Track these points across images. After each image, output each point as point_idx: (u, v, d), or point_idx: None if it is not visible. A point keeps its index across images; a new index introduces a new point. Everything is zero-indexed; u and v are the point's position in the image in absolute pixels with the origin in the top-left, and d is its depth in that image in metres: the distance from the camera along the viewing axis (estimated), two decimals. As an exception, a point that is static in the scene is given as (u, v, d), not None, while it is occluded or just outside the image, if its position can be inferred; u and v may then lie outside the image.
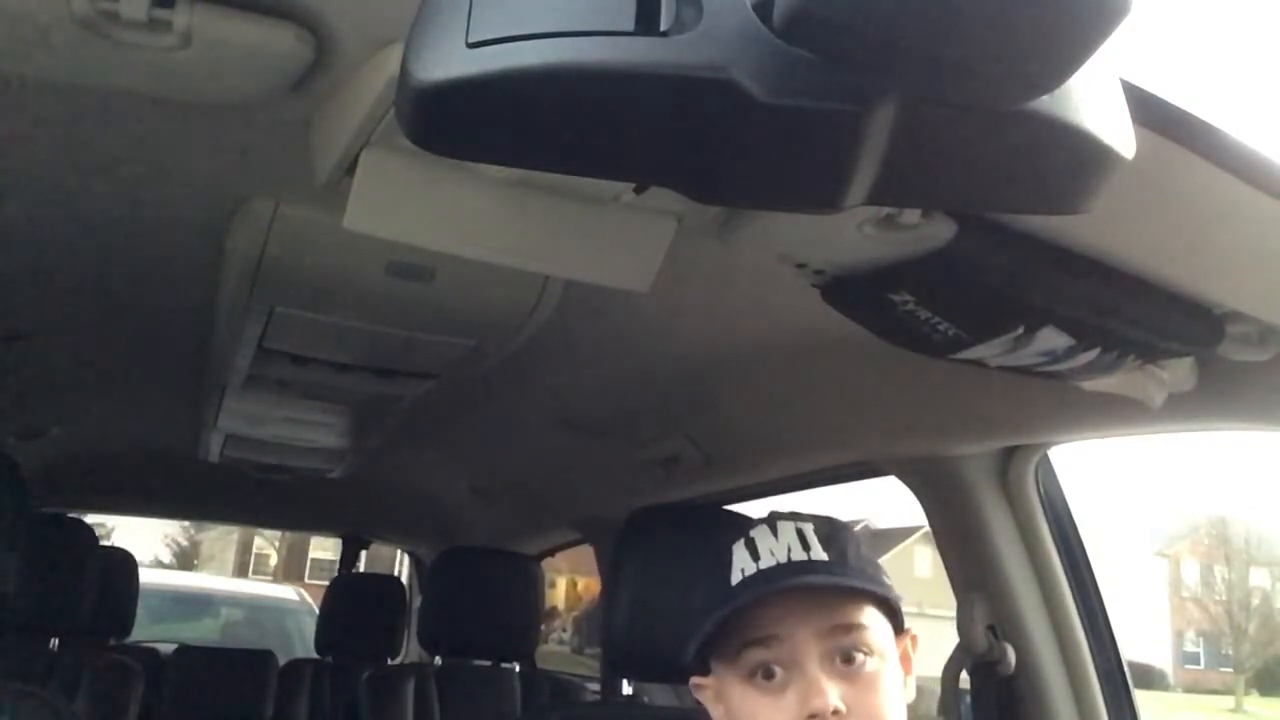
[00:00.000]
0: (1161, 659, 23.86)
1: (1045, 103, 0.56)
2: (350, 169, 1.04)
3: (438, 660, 2.91)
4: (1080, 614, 1.65)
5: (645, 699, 2.79)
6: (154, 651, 3.56)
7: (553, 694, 2.80)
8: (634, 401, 1.97)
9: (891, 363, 1.28)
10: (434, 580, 2.88)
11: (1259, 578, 24.26)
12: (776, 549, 0.96)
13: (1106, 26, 0.50)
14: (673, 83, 0.53)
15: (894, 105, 0.54)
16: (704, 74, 0.53)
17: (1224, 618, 23.99)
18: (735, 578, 0.96)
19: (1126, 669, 1.71)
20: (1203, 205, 0.92)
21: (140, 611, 3.29)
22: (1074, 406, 1.33)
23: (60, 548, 2.32)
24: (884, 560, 1.04)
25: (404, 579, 4.62)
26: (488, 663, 2.82)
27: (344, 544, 4.51)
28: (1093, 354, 1.09)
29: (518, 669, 2.84)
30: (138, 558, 3.41)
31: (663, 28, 0.53)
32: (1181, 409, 1.23)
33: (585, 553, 3.25)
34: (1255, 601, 24.00)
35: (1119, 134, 0.60)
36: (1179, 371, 1.19)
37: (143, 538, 13.92)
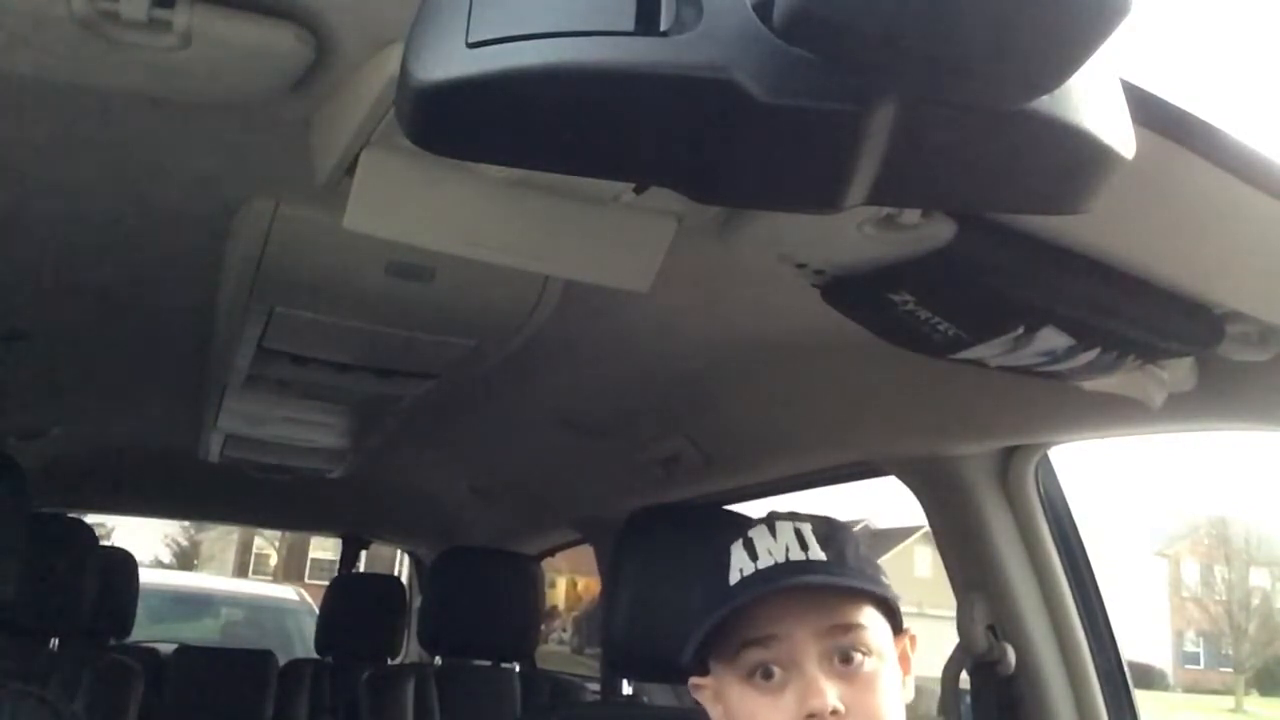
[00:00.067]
0: (1161, 659, 23.86)
1: (1045, 103, 0.56)
2: (350, 169, 1.04)
3: (438, 660, 2.91)
4: (1080, 614, 1.65)
5: (645, 699, 2.79)
6: (154, 651, 3.56)
7: (553, 694, 2.80)
8: (634, 401, 1.97)
9: (891, 363, 1.28)
10: (434, 580, 2.88)
11: (1259, 578, 24.25)
12: (775, 549, 0.96)
13: (1106, 26, 0.50)
14: (673, 83, 0.53)
15: (894, 105, 0.54)
16: (704, 74, 0.53)
17: (1224, 618, 23.99)
18: (734, 578, 0.96)
19: (1126, 669, 1.71)
20: (1203, 205, 0.92)
21: (140, 611, 3.29)
22: (1074, 406, 1.33)
23: (60, 548, 2.32)
24: (884, 560, 1.04)
25: (404, 579, 4.62)
26: (488, 663, 2.82)
27: (344, 544, 4.51)
28: (1093, 354, 1.09)
29: (518, 669, 2.84)
30: (138, 558, 3.42)
31: (663, 28, 0.53)
32: (1181, 409, 1.23)
33: (585, 553, 3.25)
34: (1255, 601, 24.00)
35: (1119, 134, 0.60)
36: (1179, 371, 1.19)
37: (143, 538, 13.93)
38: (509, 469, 2.83)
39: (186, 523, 19.06)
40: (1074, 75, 0.54)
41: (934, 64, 0.51)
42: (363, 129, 0.96)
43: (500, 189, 1.06)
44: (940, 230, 0.98)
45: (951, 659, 1.66)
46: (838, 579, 0.95)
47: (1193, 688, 23.80)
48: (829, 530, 0.98)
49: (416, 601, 3.96)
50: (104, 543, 2.91)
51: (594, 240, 1.15)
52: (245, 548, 24.17)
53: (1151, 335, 1.08)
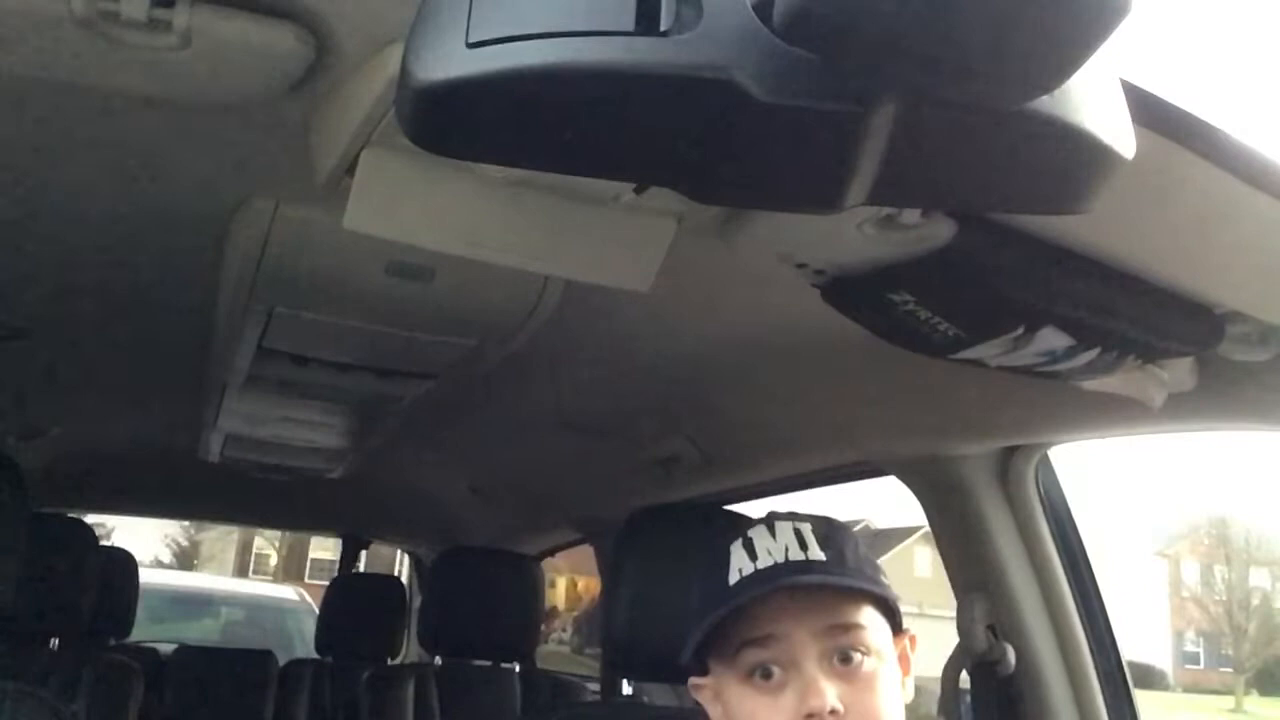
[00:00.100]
0: (1161, 659, 23.88)
1: (1045, 103, 0.56)
2: (350, 169, 1.04)
3: (438, 660, 2.91)
4: (1080, 614, 1.65)
5: (645, 699, 2.79)
6: (154, 651, 3.56)
7: (553, 694, 2.80)
8: (634, 401, 1.97)
9: (891, 363, 1.27)
10: (434, 580, 2.88)
11: (1259, 578, 24.26)
12: (774, 549, 0.96)
13: (1106, 26, 0.50)
14: (673, 83, 0.53)
15: (894, 105, 0.54)
16: (704, 74, 0.53)
17: (1224, 618, 24.00)
18: (733, 578, 0.96)
19: (1126, 669, 1.71)
20: (1203, 205, 0.92)
21: (140, 611, 3.29)
22: (1074, 406, 1.33)
23: (60, 548, 2.32)
24: (884, 560, 1.04)
25: (404, 579, 4.62)
26: (488, 663, 2.82)
27: (344, 544, 4.51)
28: (1093, 354, 1.09)
29: (518, 669, 2.84)
30: (138, 558, 3.42)
31: (663, 28, 0.53)
32: (1181, 409, 1.23)
33: (585, 553, 3.25)
34: (1255, 601, 24.01)
35: (1119, 134, 0.60)
36: (1179, 371, 1.19)
37: (143, 538, 13.93)
38: (509, 469, 2.83)
39: (186, 523, 19.06)
40: (1074, 75, 0.54)
41: (934, 64, 0.51)
42: (363, 129, 0.96)
43: (500, 189, 1.06)
44: (940, 230, 0.98)
45: (951, 659, 1.66)
46: (837, 579, 0.95)
47: (1193, 688, 23.82)
48: (829, 530, 0.98)
49: (416, 601, 3.97)
50: (104, 543, 2.91)
51: (594, 240, 1.15)
52: (245, 548, 24.17)
53: (1151, 335, 1.08)
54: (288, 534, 16.86)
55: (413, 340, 1.66)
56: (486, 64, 0.52)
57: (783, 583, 0.93)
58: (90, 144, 1.12)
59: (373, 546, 4.60)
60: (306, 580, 17.56)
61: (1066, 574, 1.66)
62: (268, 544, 23.55)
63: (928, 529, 1.81)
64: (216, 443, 2.69)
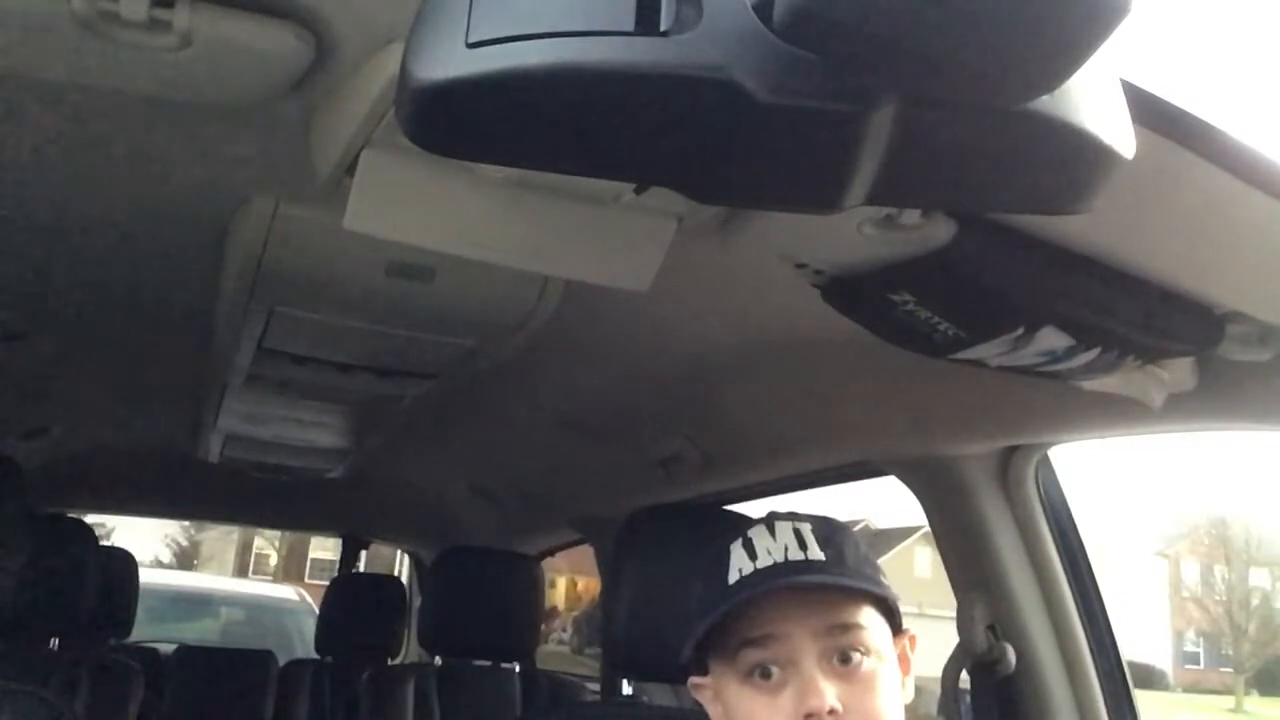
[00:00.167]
0: (1161, 659, 23.88)
1: (1045, 103, 0.56)
2: (350, 169, 1.04)
3: (438, 660, 2.91)
4: (1080, 614, 1.65)
5: (645, 699, 2.79)
6: (154, 651, 3.56)
7: (553, 694, 2.80)
8: (634, 401, 1.97)
9: (891, 363, 1.27)
10: (434, 580, 2.88)
11: (1259, 578, 24.24)
12: (774, 549, 0.96)
13: (1106, 26, 0.50)
14: (673, 83, 0.53)
15: (894, 105, 0.54)
16: (704, 74, 0.53)
17: (1224, 618, 23.98)
18: (732, 577, 0.96)
19: (1126, 669, 1.71)
20: (1203, 205, 0.92)
21: (140, 611, 3.29)
22: (1074, 406, 1.33)
23: (60, 548, 2.32)
24: (884, 560, 1.04)
25: (404, 579, 4.62)
26: (488, 663, 2.82)
27: (344, 544, 4.51)
28: (1093, 354, 1.09)
29: (518, 669, 2.84)
30: (138, 558, 3.42)
31: (663, 28, 0.53)
32: (1181, 409, 1.23)
33: (585, 553, 3.25)
34: (1255, 601, 23.99)
35: (1119, 134, 0.60)
36: (1179, 371, 1.19)
37: (143, 538, 13.93)
38: (509, 469, 2.83)
39: (186, 523, 19.06)
40: (1074, 75, 0.54)
41: (934, 64, 0.51)
42: (362, 129, 0.96)
43: (500, 189, 1.06)
44: (940, 230, 0.98)
45: (951, 659, 1.66)
46: (836, 579, 0.95)
47: (1193, 688, 23.80)
48: (828, 530, 0.98)
49: (416, 601, 3.96)
50: (104, 543, 2.91)
51: (594, 240, 1.15)
52: (245, 548, 24.17)
53: (1151, 335, 1.08)
54: (288, 534, 16.86)
55: (413, 340, 1.66)
56: (486, 64, 0.52)
57: (782, 583, 0.93)
58: (90, 144, 1.12)
59: (373, 546, 4.60)
60: (306, 580, 17.56)
61: (1066, 574, 1.66)
62: (268, 544, 23.55)
63: (928, 529, 1.81)
64: (216, 442, 2.69)
